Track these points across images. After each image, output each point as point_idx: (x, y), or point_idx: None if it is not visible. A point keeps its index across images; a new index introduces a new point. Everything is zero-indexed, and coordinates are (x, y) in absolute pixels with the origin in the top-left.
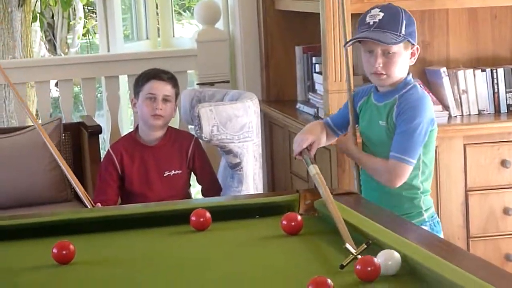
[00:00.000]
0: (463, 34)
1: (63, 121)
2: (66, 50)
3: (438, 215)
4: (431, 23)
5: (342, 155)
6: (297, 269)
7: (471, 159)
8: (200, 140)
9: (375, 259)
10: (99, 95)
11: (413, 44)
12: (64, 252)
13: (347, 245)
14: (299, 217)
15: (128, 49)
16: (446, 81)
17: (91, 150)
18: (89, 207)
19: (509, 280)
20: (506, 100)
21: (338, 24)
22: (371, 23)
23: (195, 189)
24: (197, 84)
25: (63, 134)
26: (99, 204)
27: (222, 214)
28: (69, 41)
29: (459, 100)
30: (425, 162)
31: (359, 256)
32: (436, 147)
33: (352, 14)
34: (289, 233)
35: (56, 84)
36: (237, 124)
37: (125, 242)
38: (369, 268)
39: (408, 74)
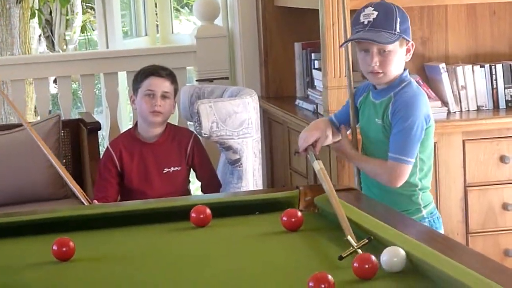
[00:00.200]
0: (462, 30)
1: (62, 118)
2: (64, 47)
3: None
4: (430, 19)
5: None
6: (297, 265)
7: (470, 155)
8: (200, 137)
9: (373, 257)
10: (97, 91)
11: (408, 41)
12: (64, 249)
13: (349, 237)
14: (299, 213)
15: (127, 45)
16: (445, 77)
17: (90, 147)
18: (85, 204)
19: (508, 275)
20: (505, 96)
21: (337, 20)
22: (366, 22)
23: (194, 186)
24: (196, 80)
25: (62, 131)
26: (95, 201)
27: (222, 211)
28: (67, 37)
29: (458, 96)
30: (423, 159)
31: (359, 250)
32: (435, 143)
33: (351, 10)
34: (289, 229)
35: (55, 81)
36: (237, 120)
37: (125, 239)
38: (366, 266)
39: (404, 70)
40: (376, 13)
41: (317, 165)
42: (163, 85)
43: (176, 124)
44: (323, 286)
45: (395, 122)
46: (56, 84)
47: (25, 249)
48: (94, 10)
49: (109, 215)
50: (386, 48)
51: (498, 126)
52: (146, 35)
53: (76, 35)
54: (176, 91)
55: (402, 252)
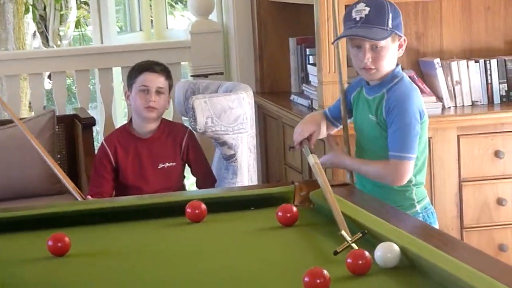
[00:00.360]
0: (456, 25)
1: (57, 113)
2: (59, 42)
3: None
4: (425, 14)
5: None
6: (292, 260)
7: (464, 150)
8: (194, 132)
9: (366, 253)
10: (92, 87)
11: (400, 36)
12: (59, 244)
13: (343, 232)
14: (294, 209)
15: (121, 41)
16: (439, 72)
17: (84, 142)
18: (79, 199)
19: (503, 270)
20: (500, 91)
21: (332, 15)
22: (358, 18)
23: (189, 181)
24: (191, 76)
25: (57, 126)
26: (89, 197)
27: (217, 206)
28: (61, 33)
29: (452, 91)
30: (417, 154)
31: (354, 245)
32: (430, 138)
33: (346, 6)
34: (284, 225)
35: (49, 76)
36: (232, 115)
37: (120, 234)
38: (360, 262)
39: (397, 65)
40: (368, 9)
41: (312, 159)
42: (157, 80)
43: (171, 120)
44: (318, 281)
45: (391, 120)
46: (50, 80)
47: (20, 245)
48: (88, 5)
49: (105, 210)
50: (378, 44)
51: (492, 121)
52: (140, 30)
53: (70, 31)
54: (170, 86)
55: (396, 247)
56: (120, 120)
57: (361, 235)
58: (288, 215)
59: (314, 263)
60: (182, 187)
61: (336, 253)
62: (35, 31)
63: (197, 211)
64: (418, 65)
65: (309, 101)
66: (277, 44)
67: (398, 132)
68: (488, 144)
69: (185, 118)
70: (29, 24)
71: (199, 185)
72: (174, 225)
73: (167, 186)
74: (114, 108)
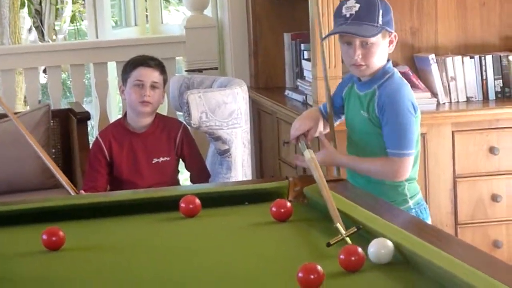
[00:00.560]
0: (451, 21)
1: (52, 108)
2: (54, 37)
3: (426, 202)
4: (420, 10)
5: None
6: (286, 256)
7: (459, 146)
8: (189, 127)
9: (359, 249)
10: (87, 81)
11: (391, 32)
12: (53, 238)
13: (338, 225)
14: (288, 204)
15: (116, 35)
16: (434, 68)
17: (79, 136)
18: (72, 194)
19: (498, 266)
20: (495, 87)
21: (327, 10)
22: (348, 15)
23: (183, 176)
24: (186, 70)
25: (52, 121)
26: (82, 191)
27: (212, 201)
28: (56, 27)
29: (447, 87)
30: None
31: (348, 239)
32: (425, 134)
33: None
34: (278, 220)
35: (45, 71)
36: (226, 110)
37: (114, 228)
38: (353, 258)
39: (388, 61)
40: (358, 5)
41: (308, 154)
42: (152, 75)
43: (165, 115)
44: (312, 276)
45: (385, 118)
46: (45, 74)
47: (14, 239)
48: (83, 0)
49: (99, 205)
50: (368, 41)
51: (487, 117)
52: (135, 25)
53: (66, 25)
54: (165, 81)
55: (389, 243)
56: (114, 115)
57: (356, 229)
58: (282, 210)
59: (308, 258)
60: (176, 182)
61: (329, 245)
62: (30, 26)
63: (191, 206)
64: (413, 61)
65: (304, 97)
66: (272, 39)
67: (394, 129)
68: (483, 140)
69: (180, 113)
70: (25, 19)
71: (193, 180)
72: (168, 219)
73: (161, 181)
74: (109, 102)
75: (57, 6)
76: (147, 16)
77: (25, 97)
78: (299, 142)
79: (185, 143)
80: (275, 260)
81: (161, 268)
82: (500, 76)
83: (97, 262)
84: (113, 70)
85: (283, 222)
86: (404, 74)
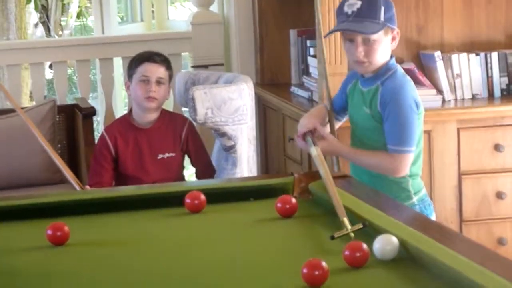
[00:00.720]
0: (457, 18)
1: (58, 103)
2: (60, 32)
3: (431, 198)
4: (426, 7)
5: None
6: (291, 252)
7: (464, 143)
8: (194, 123)
9: (364, 245)
10: (92, 77)
11: (393, 28)
12: (58, 233)
13: (344, 219)
14: (293, 200)
15: (122, 31)
16: (440, 65)
17: (85, 132)
18: (77, 189)
19: (502, 263)
20: (500, 84)
21: (333, 7)
22: (349, 12)
23: (188, 172)
24: (192, 66)
25: (57, 116)
26: (87, 187)
27: (217, 197)
28: (62, 23)
29: (453, 84)
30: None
31: (352, 234)
32: (430, 131)
33: None
34: (283, 216)
35: (51, 66)
36: (232, 106)
37: (119, 224)
38: (357, 254)
39: (391, 58)
40: (359, 2)
41: (315, 151)
42: (158, 71)
43: (171, 110)
44: (316, 272)
45: (387, 114)
46: (51, 70)
47: (19, 234)
48: None
49: (104, 200)
50: (370, 38)
51: (493, 114)
52: (141, 21)
53: (72, 21)
54: (171, 77)
55: (394, 239)
56: (120, 111)
57: (362, 226)
58: (287, 206)
59: (313, 254)
60: (182, 178)
61: (332, 237)
62: (37, 21)
63: (196, 202)
64: (419, 58)
65: (309, 93)
66: (277, 35)
67: (396, 125)
68: (488, 137)
69: (185, 109)
70: (31, 14)
71: (198, 175)
72: (173, 215)
73: (166, 177)
74: (114, 98)
75: (64, 2)
76: (153, 12)
77: (31, 93)
78: (306, 139)
79: (191, 139)
80: (280, 256)
81: (166, 264)
82: (506, 74)
83: (102, 257)
84: (119, 66)
85: (288, 218)
86: (409, 71)
